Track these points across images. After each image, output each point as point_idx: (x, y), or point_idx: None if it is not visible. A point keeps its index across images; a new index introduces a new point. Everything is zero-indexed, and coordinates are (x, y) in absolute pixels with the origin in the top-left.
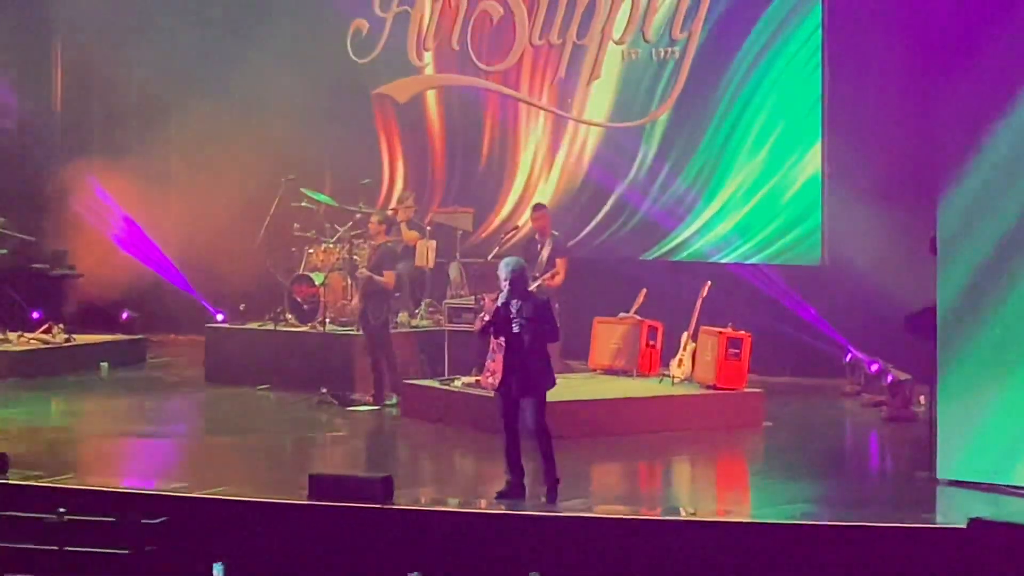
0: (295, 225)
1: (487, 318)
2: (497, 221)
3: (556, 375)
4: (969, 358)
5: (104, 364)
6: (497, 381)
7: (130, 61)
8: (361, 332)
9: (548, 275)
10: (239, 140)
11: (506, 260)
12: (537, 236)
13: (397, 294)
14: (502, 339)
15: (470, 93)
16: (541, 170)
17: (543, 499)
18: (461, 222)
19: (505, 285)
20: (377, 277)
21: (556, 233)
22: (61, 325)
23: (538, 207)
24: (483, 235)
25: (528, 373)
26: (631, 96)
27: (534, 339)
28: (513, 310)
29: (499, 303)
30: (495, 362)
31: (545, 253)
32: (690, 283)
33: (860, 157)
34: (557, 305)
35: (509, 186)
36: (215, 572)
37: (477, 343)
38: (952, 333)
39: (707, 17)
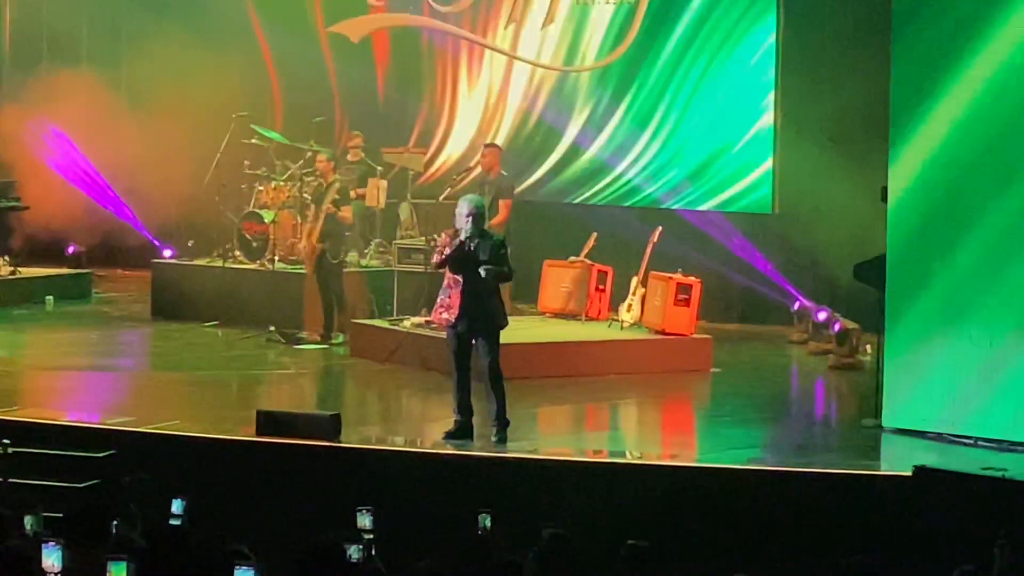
0: (245, 162)
1: (447, 251)
2: (449, 162)
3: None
4: (917, 308)
5: (49, 298)
6: (453, 317)
7: None
8: (313, 270)
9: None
10: (190, 75)
11: (467, 197)
12: (488, 176)
13: (348, 233)
14: (459, 276)
15: (424, 33)
16: (494, 113)
17: (492, 439)
18: (412, 163)
19: (467, 221)
20: (340, 215)
21: (504, 173)
22: (6, 257)
23: (488, 145)
24: (435, 176)
25: (483, 311)
26: (585, 40)
27: (492, 278)
28: (470, 247)
29: (462, 238)
30: (450, 298)
31: (489, 194)
32: (641, 228)
33: (813, 105)
34: (508, 248)
35: (462, 128)
36: (174, 508)
37: (429, 283)
38: (900, 282)
39: None
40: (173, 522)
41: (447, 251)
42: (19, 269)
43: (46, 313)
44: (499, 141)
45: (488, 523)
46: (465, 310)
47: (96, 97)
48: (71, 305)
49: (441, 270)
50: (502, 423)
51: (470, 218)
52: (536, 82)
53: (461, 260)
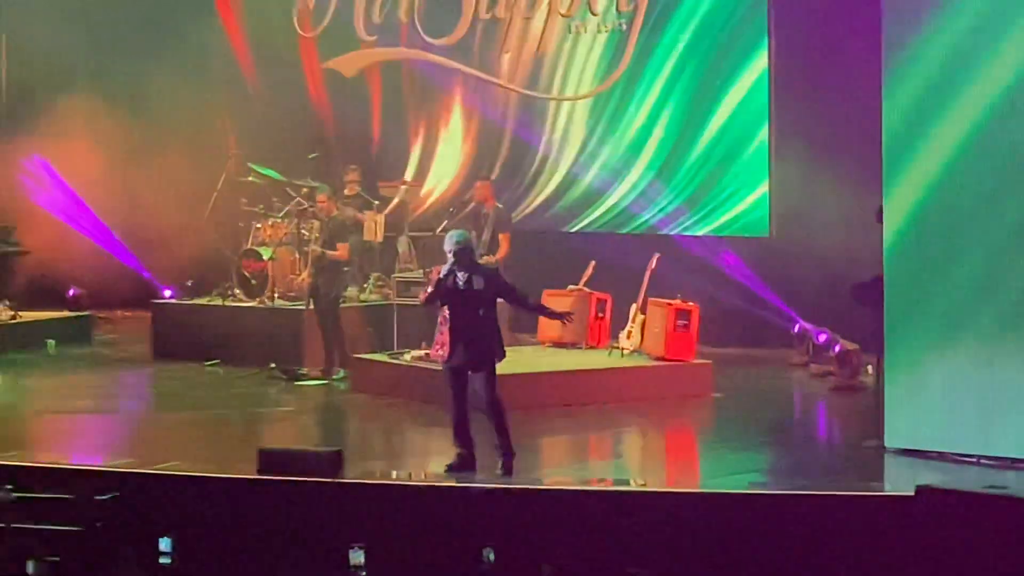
0: (242, 200)
1: (430, 289)
2: (446, 195)
3: (506, 348)
4: (916, 327)
5: (51, 341)
6: (445, 353)
7: (74, 33)
8: (311, 306)
9: (490, 255)
10: (185, 114)
11: (451, 232)
12: (484, 209)
13: (346, 268)
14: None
15: (417, 67)
16: (488, 143)
17: (497, 472)
18: (409, 196)
19: (450, 257)
20: (330, 252)
21: (500, 206)
22: (7, 302)
23: (481, 179)
24: (430, 208)
25: (476, 345)
26: (578, 68)
27: (483, 311)
28: (460, 282)
29: (442, 274)
30: (443, 334)
31: (488, 227)
32: (639, 255)
33: (807, 129)
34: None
35: (456, 159)
36: (161, 546)
37: (427, 317)
38: (899, 302)
39: None
40: (163, 560)
41: (430, 289)
42: (20, 313)
43: (48, 357)
44: (494, 171)
45: (491, 557)
46: (457, 345)
47: (92, 139)
48: (72, 348)
49: (429, 306)
50: (507, 455)
51: (453, 253)
52: (530, 111)
53: (449, 296)
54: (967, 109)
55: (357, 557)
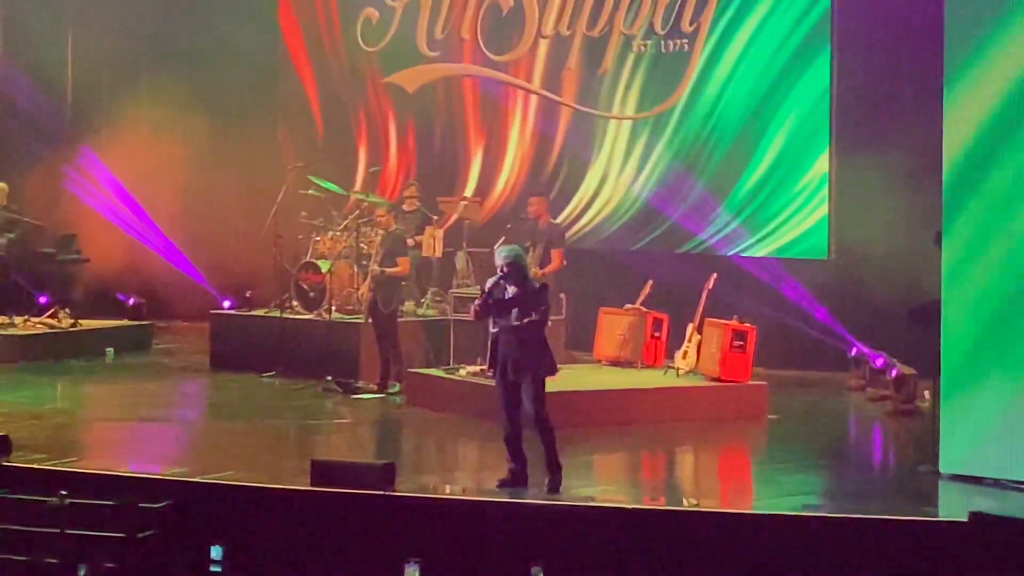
0: (302, 213)
1: (479, 304)
2: (504, 211)
3: (561, 365)
4: (973, 352)
5: (110, 349)
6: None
7: (138, 44)
8: (368, 320)
9: (541, 269)
10: (248, 127)
11: (502, 247)
12: (539, 224)
13: (404, 283)
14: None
15: (478, 83)
16: (546, 160)
17: (545, 488)
18: (468, 212)
19: (501, 270)
20: (389, 269)
21: (554, 221)
22: (67, 310)
23: (534, 195)
24: (490, 224)
25: (522, 357)
26: (640, 88)
27: (529, 324)
28: (507, 295)
29: (487, 287)
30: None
31: (541, 243)
32: (696, 275)
33: (868, 151)
34: (563, 295)
35: (515, 176)
36: (213, 554)
37: (484, 333)
38: (956, 327)
39: (716, 9)
40: (214, 568)
41: (479, 302)
42: (80, 321)
43: (106, 365)
44: (551, 188)
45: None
46: (501, 357)
47: (155, 150)
48: (131, 357)
49: (480, 319)
50: (554, 470)
51: (501, 268)
52: (590, 129)
53: (495, 308)
54: None
55: (413, 572)
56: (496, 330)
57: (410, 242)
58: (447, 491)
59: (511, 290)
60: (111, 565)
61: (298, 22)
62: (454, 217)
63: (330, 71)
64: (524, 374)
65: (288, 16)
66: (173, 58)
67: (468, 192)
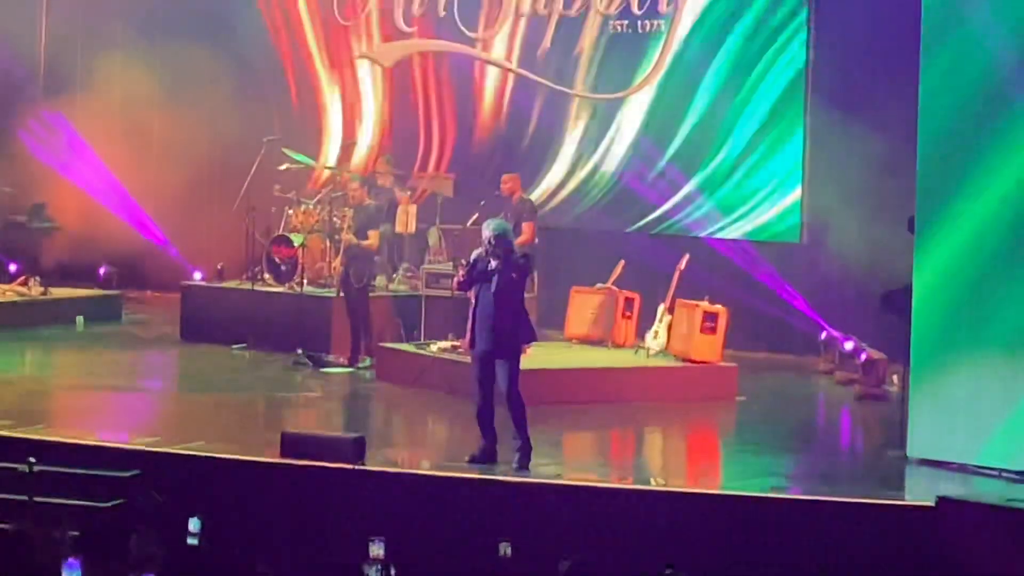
0: (276, 186)
1: (463, 275)
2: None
3: (532, 343)
4: (943, 338)
5: (80, 318)
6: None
7: (112, 18)
8: (340, 294)
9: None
10: (221, 97)
11: (490, 220)
12: (511, 201)
13: (377, 257)
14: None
15: (455, 59)
16: (521, 138)
17: (513, 466)
18: (442, 187)
19: (487, 243)
20: (362, 241)
21: (526, 196)
22: (38, 278)
23: (507, 173)
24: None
25: (502, 330)
26: (616, 68)
27: (508, 297)
28: (491, 267)
29: (472, 258)
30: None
31: (512, 218)
32: (668, 256)
33: (842, 137)
34: (535, 273)
35: (490, 153)
36: (191, 527)
37: (455, 310)
38: (926, 313)
39: None
40: (190, 540)
41: (462, 273)
42: (50, 290)
43: (76, 334)
44: (527, 166)
45: (508, 552)
46: (483, 330)
47: (127, 119)
48: (101, 326)
49: (463, 290)
50: (524, 450)
51: (489, 240)
52: (565, 108)
53: (480, 279)
54: (1004, 121)
55: (377, 549)
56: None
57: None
58: (417, 466)
59: (494, 262)
60: (78, 533)
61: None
62: (425, 192)
63: (307, 44)
64: (504, 341)
65: None
66: (150, 27)
67: (441, 168)
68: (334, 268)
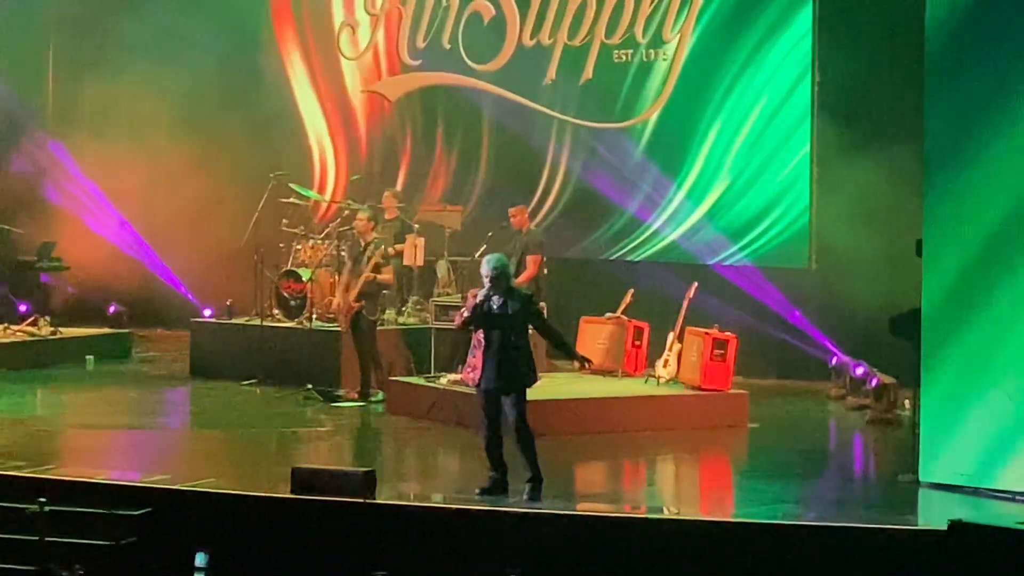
0: (283, 221)
1: (466, 314)
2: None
3: (542, 374)
4: (953, 362)
5: (90, 357)
6: (477, 376)
7: (120, 50)
8: (347, 329)
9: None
10: (229, 135)
11: (488, 256)
12: (521, 233)
13: (386, 291)
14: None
15: (461, 92)
16: (528, 169)
17: (524, 497)
18: (449, 220)
19: (487, 281)
20: (381, 277)
21: (533, 228)
22: (47, 318)
23: (517, 204)
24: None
25: (508, 369)
26: (621, 97)
27: (515, 336)
28: (495, 306)
29: (478, 299)
30: (476, 358)
31: (518, 250)
32: (677, 284)
33: (849, 161)
34: (543, 304)
35: (497, 185)
36: (197, 561)
37: (461, 340)
38: (936, 336)
39: (697, 19)
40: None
41: (465, 313)
42: (60, 329)
43: (87, 373)
44: (532, 197)
45: None
46: (489, 370)
47: (136, 159)
48: (111, 365)
49: (464, 330)
50: (535, 481)
51: (489, 278)
52: (572, 138)
53: (483, 319)
54: (1012, 139)
55: None
56: (480, 338)
57: (390, 252)
58: (428, 499)
59: (497, 300)
60: (90, 573)
61: (289, 33)
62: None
63: (315, 79)
64: (509, 384)
65: (282, 27)
66: (156, 65)
67: (447, 200)
68: (352, 305)
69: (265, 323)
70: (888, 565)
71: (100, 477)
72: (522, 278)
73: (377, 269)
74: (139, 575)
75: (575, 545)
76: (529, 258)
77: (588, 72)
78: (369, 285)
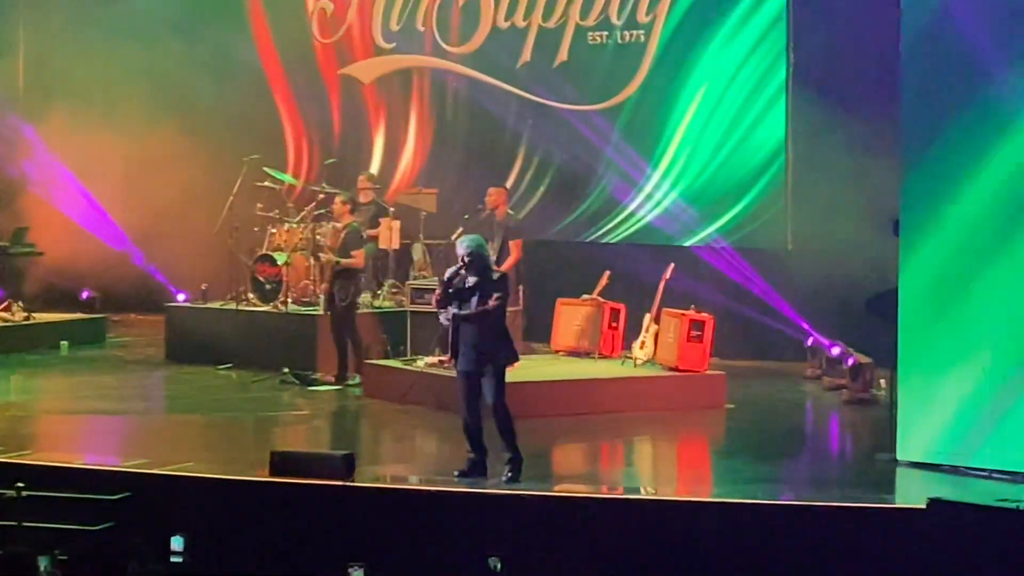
0: (258, 205)
1: (439, 291)
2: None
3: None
4: (929, 341)
5: (64, 342)
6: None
7: (92, 36)
8: (325, 312)
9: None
10: (203, 118)
11: (464, 237)
12: (496, 215)
13: (361, 274)
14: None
15: (435, 75)
16: (504, 151)
17: (504, 479)
18: (424, 203)
19: (461, 260)
20: (344, 260)
21: (511, 212)
22: (21, 303)
23: (494, 186)
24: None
25: (481, 348)
26: (596, 79)
27: (486, 312)
28: (467, 284)
29: (446, 276)
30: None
31: (498, 235)
32: (653, 266)
33: (826, 142)
34: (522, 287)
35: (471, 167)
36: (173, 545)
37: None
38: (913, 316)
39: (672, 1)
40: (174, 559)
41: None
42: (33, 315)
43: (61, 358)
44: (510, 180)
45: (498, 567)
46: (460, 348)
47: (109, 142)
48: (86, 350)
49: (443, 308)
50: (515, 462)
51: (462, 258)
52: (547, 121)
53: (455, 299)
54: (988, 121)
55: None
56: (450, 320)
57: (365, 235)
58: (406, 482)
59: (471, 279)
60: (67, 557)
61: (263, 15)
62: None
63: (288, 61)
64: (485, 362)
65: (256, 9)
66: (129, 46)
67: (423, 183)
68: (322, 289)
69: (240, 307)
70: (867, 543)
71: (77, 462)
72: (508, 263)
73: (344, 253)
74: (117, 559)
75: (554, 527)
76: (512, 243)
77: (563, 54)
78: (337, 265)
